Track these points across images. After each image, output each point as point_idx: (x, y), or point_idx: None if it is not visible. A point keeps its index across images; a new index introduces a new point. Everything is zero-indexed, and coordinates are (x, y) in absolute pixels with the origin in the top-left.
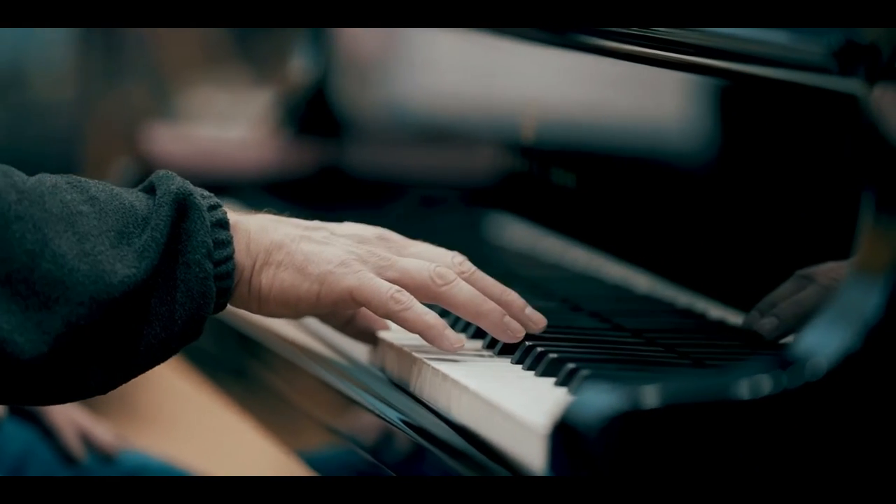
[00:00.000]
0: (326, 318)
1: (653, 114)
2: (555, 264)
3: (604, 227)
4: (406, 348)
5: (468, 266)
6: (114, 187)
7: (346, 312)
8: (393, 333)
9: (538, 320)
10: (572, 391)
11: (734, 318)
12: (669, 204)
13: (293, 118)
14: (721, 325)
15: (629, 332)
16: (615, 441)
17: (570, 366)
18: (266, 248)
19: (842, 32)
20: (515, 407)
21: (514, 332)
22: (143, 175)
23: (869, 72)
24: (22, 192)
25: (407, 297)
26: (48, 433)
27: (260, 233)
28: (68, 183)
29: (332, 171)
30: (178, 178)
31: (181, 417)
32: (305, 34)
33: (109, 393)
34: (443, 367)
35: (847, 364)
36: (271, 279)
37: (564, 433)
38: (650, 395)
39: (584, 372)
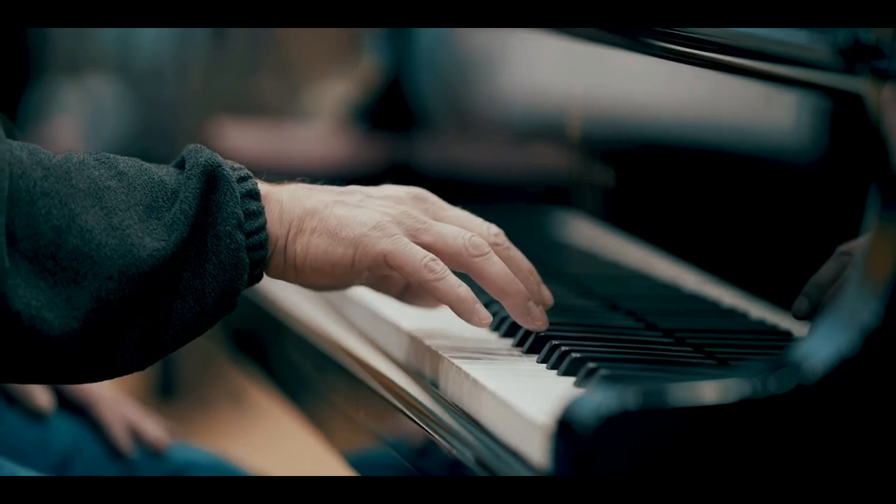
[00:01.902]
0: (380, 286)
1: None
2: (611, 262)
3: (660, 224)
4: (434, 346)
5: (503, 239)
6: (143, 163)
7: (401, 281)
8: (423, 330)
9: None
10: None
11: (775, 317)
12: (717, 200)
13: (365, 115)
14: (760, 324)
15: (661, 332)
16: (611, 440)
17: (590, 365)
18: (299, 216)
19: (849, 32)
20: (526, 406)
21: (534, 318)
22: None
23: (874, 71)
24: (48, 168)
25: (441, 267)
26: (96, 428)
27: (292, 201)
28: (97, 159)
29: (402, 167)
30: (207, 151)
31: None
32: (379, 33)
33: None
34: (465, 366)
35: (843, 368)
36: (306, 246)
37: (564, 432)
38: (644, 396)
39: (603, 371)
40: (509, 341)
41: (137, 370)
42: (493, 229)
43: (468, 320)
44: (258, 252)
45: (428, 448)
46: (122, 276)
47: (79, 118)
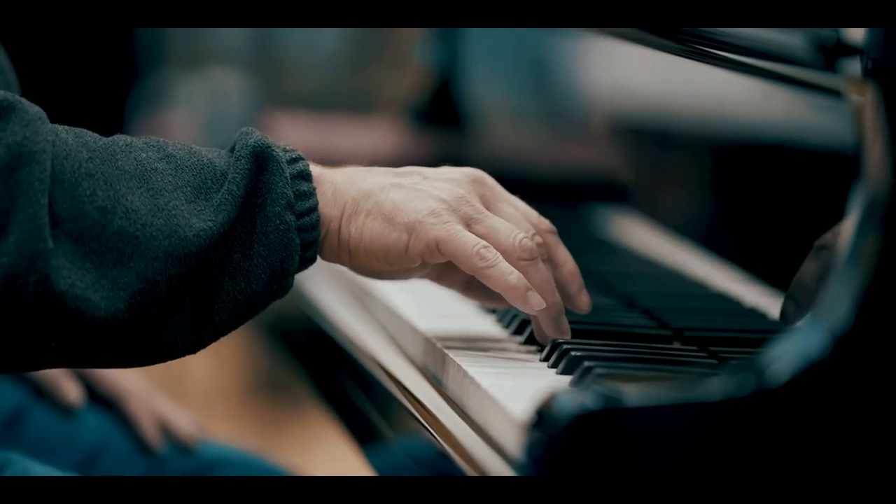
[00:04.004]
0: (442, 278)
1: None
2: (645, 259)
3: (698, 221)
4: (441, 345)
5: (552, 238)
6: (193, 146)
7: (463, 274)
8: (435, 329)
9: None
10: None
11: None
12: (754, 197)
13: (417, 111)
14: (777, 324)
15: (671, 332)
16: (585, 439)
17: (587, 363)
18: (354, 198)
19: (832, 31)
20: (512, 403)
21: (563, 331)
22: None
23: (854, 69)
24: (93, 150)
25: (493, 255)
26: (125, 422)
27: (346, 184)
28: (145, 142)
29: (453, 163)
30: (257, 133)
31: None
32: (432, 31)
33: None
34: (465, 364)
35: (811, 372)
36: (360, 229)
37: (537, 429)
38: (622, 396)
39: (598, 370)
40: (518, 339)
41: (189, 353)
42: (545, 224)
43: (521, 307)
44: (310, 233)
45: (436, 449)
46: (168, 257)
47: (196, 111)
